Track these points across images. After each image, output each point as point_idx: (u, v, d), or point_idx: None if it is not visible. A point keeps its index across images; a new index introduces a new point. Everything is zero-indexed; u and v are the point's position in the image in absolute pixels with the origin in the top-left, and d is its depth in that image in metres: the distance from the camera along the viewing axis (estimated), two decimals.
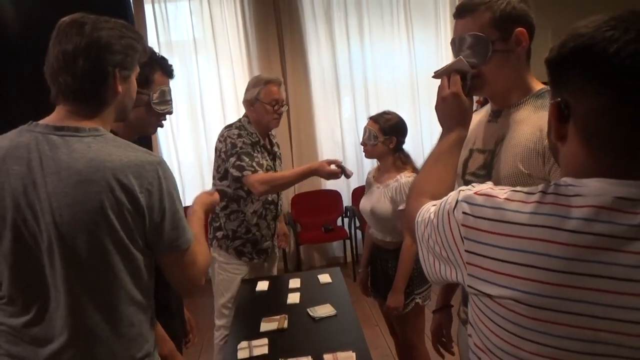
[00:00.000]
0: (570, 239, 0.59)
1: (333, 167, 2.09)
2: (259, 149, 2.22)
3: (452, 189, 0.82)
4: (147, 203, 0.98)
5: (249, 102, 2.27)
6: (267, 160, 2.26)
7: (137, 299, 1.03)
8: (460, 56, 1.02)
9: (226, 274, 2.27)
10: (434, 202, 0.81)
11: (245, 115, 2.32)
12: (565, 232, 0.60)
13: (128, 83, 1.07)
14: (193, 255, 1.08)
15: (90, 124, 0.99)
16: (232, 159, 2.12)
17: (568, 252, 0.59)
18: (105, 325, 0.99)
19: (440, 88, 1.03)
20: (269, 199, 2.30)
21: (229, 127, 2.26)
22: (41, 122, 1.00)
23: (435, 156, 1.00)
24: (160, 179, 1.00)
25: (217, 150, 2.23)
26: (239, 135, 2.17)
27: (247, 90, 2.30)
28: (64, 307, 0.96)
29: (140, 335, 1.05)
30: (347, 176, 2.11)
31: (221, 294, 2.28)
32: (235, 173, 2.11)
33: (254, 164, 2.12)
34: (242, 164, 2.10)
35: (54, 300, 0.97)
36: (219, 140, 2.23)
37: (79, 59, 0.96)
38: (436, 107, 1.04)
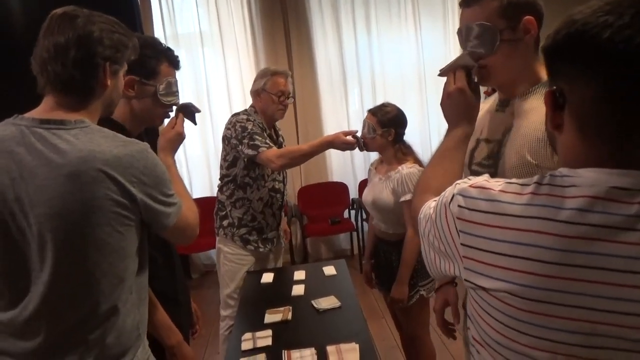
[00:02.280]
0: (563, 230, 0.58)
1: (349, 138, 2.09)
2: (265, 136, 2.23)
3: None
4: (139, 192, 0.98)
5: (255, 92, 2.29)
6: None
7: (130, 288, 1.04)
8: (465, 51, 1.01)
9: (231, 265, 2.28)
10: (436, 198, 0.80)
11: (251, 106, 2.33)
12: (559, 223, 0.59)
13: (116, 78, 1.07)
14: (185, 219, 1.12)
15: (77, 116, 0.99)
16: (245, 140, 2.12)
17: (561, 244, 0.58)
18: (90, 318, 0.98)
19: (446, 84, 1.02)
20: (276, 186, 2.31)
21: (236, 114, 2.26)
22: (27, 115, 0.99)
23: (441, 152, 0.99)
24: (150, 166, 1.00)
25: (226, 138, 2.23)
26: (248, 120, 2.19)
27: (254, 81, 2.33)
28: (42, 301, 0.95)
29: (130, 324, 1.04)
30: (361, 148, 2.10)
31: (226, 284, 2.29)
32: (251, 152, 2.11)
33: (267, 141, 2.14)
34: (256, 142, 2.11)
35: (34, 293, 0.95)
36: (226, 128, 2.23)
37: (71, 50, 0.95)
38: (442, 104, 1.03)
